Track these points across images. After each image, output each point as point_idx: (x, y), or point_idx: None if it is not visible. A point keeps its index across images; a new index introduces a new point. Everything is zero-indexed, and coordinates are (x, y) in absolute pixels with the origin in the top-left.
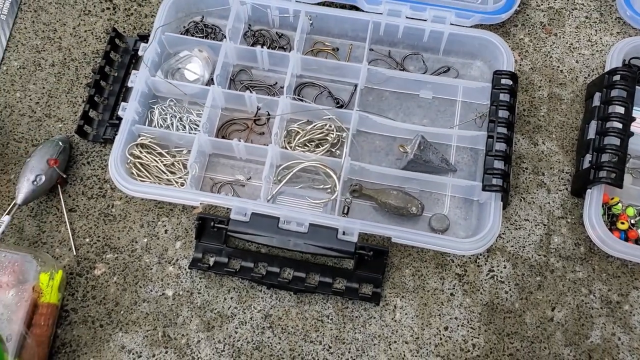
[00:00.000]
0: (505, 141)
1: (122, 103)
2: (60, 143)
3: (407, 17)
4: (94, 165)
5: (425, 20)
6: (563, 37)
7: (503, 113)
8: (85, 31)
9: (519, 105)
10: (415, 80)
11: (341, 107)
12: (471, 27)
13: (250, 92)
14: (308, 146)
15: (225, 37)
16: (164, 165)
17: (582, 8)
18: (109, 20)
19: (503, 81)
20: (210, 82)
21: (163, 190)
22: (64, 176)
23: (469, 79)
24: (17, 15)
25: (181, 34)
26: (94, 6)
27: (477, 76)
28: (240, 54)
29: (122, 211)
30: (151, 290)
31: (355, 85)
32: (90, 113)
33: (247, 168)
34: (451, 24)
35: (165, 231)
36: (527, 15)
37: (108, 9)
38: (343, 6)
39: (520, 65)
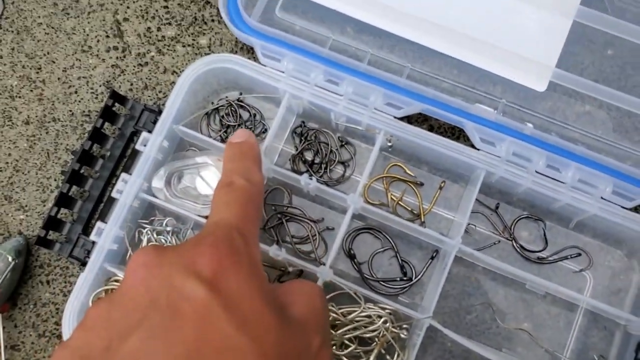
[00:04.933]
0: None
1: (98, 223)
2: (10, 258)
3: (536, 172)
4: (54, 288)
5: (564, 184)
6: None
7: None
8: (79, 78)
9: None
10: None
11: (409, 280)
12: (631, 209)
13: (278, 241)
14: (344, 347)
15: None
16: None
17: None
18: (113, 67)
19: None
20: None
21: None
22: (8, 306)
23: (604, 272)
24: None
25: (207, 114)
26: (98, 41)
27: (618, 270)
28: (278, 171)
29: None
30: None
31: (436, 252)
32: (61, 213)
33: None
34: (602, 199)
35: None
36: None
37: (116, 49)
38: (443, 129)
39: None
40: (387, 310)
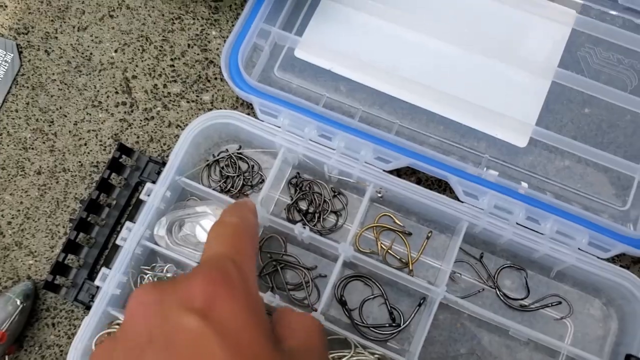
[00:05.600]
0: None
1: (103, 269)
2: (19, 301)
3: (517, 224)
4: (59, 330)
5: (543, 235)
6: None
7: None
8: (89, 131)
9: None
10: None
11: (397, 326)
12: (607, 259)
13: (273, 287)
14: None
15: (261, 185)
16: None
17: None
18: (121, 120)
19: None
20: None
21: None
22: (14, 347)
23: (584, 319)
24: (10, 90)
25: (208, 165)
26: (107, 97)
27: (597, 318)
28: (274, 220)
29: None
30: None
31: (423, 299)
32: (68, 259)
33: None
34: (580, 249)
35: None
36: None
37: (124, 104)
38: (430, 181)
39: None
40: (376, 356)
